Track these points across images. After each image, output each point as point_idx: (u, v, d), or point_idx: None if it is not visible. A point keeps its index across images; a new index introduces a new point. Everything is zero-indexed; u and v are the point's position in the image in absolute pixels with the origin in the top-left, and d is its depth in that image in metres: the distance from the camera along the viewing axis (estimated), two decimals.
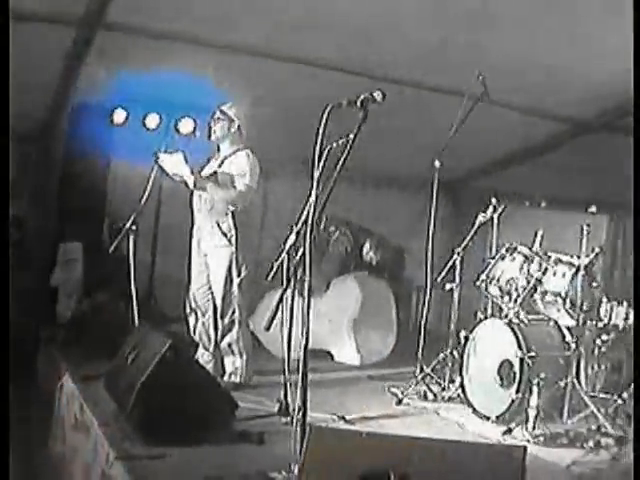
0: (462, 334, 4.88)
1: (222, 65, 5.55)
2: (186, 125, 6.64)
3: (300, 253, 3.05)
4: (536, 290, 4.72)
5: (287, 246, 3.65)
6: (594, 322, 4.57)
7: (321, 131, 3.02)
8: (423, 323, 5.26)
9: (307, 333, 2.91)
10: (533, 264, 4.80)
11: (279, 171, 7.36)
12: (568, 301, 4.54)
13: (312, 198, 3.02)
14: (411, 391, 4.96)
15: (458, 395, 4.84)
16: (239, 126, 4.97)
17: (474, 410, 4.56)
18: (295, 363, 3.08)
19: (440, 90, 6.09)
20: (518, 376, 4.28)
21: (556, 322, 4.68)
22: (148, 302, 6.66)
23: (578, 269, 4.50)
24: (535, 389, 4.02)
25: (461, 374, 4.77)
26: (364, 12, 4.99)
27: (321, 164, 3.05)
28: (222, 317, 4.88)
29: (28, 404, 4.66)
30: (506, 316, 4.69)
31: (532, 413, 4.01)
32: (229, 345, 4.90)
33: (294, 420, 3.01)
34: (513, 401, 4.25)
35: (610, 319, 4.59)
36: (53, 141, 7.04)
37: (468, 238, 5.37)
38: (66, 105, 6.55)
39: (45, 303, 6.30)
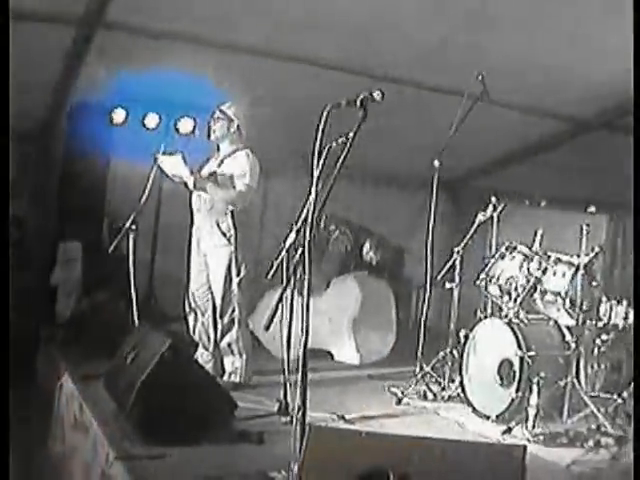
0: (462, 333, 4.88)
1: (222, 65, 5.55)
2: (185, 125, 6.65)
3: (300, 252, 3.05)
4: (536, 289, 4.72)
5: (287, 245, 3.64)
6: (594, 321, 4.56)
7: (321, 130, 3.02)
8: (423, 322, 5.26)
9: (307, 332, 2.90)
10: (533, 263, 4.80)
11: (279, 170, 7.36)
12: (568, 300, 4.54)
13: (312, 197, 3.02)
14: (411, 390, 4.96)
15: (458, 394, 4.84)
16: (238, 126, 4.96)
17: (474, 409, 4.56)
18: (295, 362, 3.08)
19: (440, 90, 6.08)
20: (518, 375, 4.28)
21: (556, 321, 4.68)
22: (148, 302, 6.66)
23: (578, 268, 4.50)
24: (535, 388, 4.02)
25: (461, 373, 4.77)
26: (364, 12, 4.99)
27: (321, 163, 3.05)
28: (222, 317, 4.88)
29: (28, 404, 4.65)
30: (506, 315, 4.69)
31: (532, 412, 4.00)
32: (229, 345, 4.90)
33: (294, 420, 3.00)
34: (513, 400, 4.25)
35: (610, 318, 4.58)
36: (53, 140, 7.04)
37: (468, 237, 5.38)
38: (66, 104, 6.55)
39: (45, 303, 6.29)
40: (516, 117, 6.61)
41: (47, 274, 6.41)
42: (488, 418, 4.38)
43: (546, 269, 4.71)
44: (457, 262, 5.34)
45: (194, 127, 6.56)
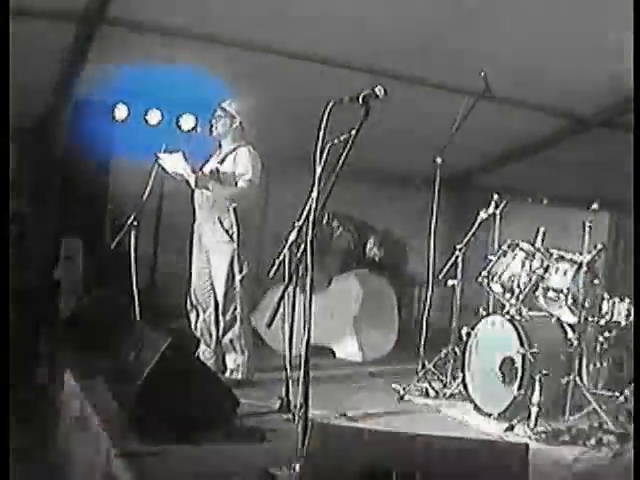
0: (464, 330, 4.86)
1: (224, 61, 5.54)
2: (187, 121, 6.65)
3: (302, 250, 3.04)
4: (538, 287, 4.72)
5: (289, 242, 3.65)
6: (596, 319, 4.56)
7: (323, 127, 3.01)
8: (425, 319, 5.26)
9: (309, 329, 2.90)
10: (535, 261, 4.80)
11: (281, 167, 7.35)
12: (570, 298, 4.53)
13: (314, 194, 3.02)
14: (413, 388, 4.96)
15: (460, 392, 4.84)
16: (240, 122, 4.94)
17: (476, 407, 4.56)
18: (297, 360, 3.08)
19: (443, 87, 6.08)
20: (520, 373, 4.27)
21: (558, 319, 4.67)
22: (150, 298, 6.65)
23: (580, 266, 4.50)
24: (537, 386, 4.02)
25: (463, 371, 4.76)
26: (365, 10, 4.98)
27: (323, 160, 3.04)
28: (224, 314, 4.87)
29: (28, 404, 4.65)
30: (508, 313, 4.69)
31: (534, 410, 4.00)
32: (231, 342, 4.89)
33: (296, 417, 3.01)
34: (515, 398, 4.25)
35: (612, 316, 4.59)
36: (54, 137, 7.04)
37: (470, 234, 5.38)
38: (67, 101, 6.54)
39: (46, 300, 6.29)
40: (518, 115, 6.60)
41: (48, 271, 6.41)
42: (490, 416, 4.38)
43: (548, 267, 4.70)
44: (459, 260, 5.33)
45: (196, 123, 6.55)
